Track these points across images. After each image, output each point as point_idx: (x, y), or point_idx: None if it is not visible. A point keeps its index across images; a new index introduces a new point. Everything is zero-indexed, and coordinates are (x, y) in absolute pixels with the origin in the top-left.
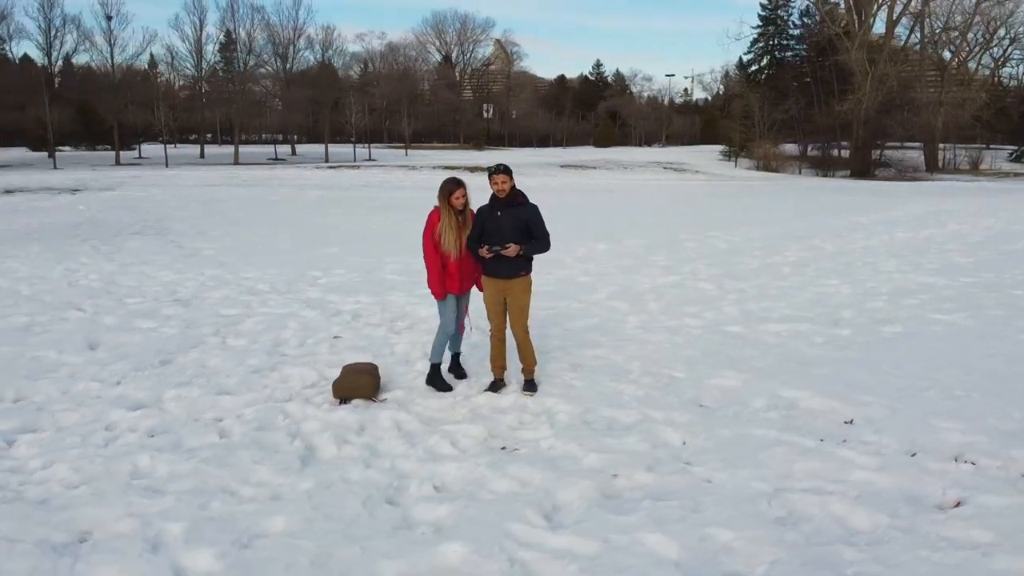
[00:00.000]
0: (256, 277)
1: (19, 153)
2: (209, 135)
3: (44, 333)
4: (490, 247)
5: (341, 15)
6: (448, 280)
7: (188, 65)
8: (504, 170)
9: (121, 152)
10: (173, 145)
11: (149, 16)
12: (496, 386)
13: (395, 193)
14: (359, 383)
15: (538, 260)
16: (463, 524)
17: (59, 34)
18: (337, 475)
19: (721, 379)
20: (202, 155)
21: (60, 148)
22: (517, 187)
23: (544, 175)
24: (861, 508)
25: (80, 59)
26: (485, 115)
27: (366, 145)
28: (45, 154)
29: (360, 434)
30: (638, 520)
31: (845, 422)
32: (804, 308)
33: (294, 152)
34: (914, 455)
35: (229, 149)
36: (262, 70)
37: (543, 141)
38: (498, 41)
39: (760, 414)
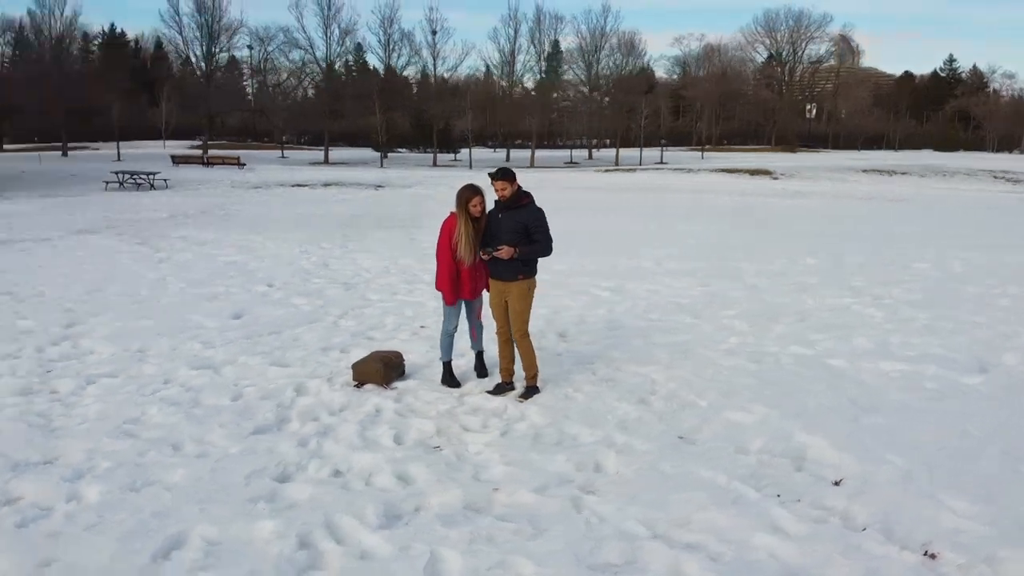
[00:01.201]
0: (419, 268)
1: (363, 153)
2: (519, 140)
3: (214, 301)
4: (485, 249)
5: (654, 20)
6: (460, 286)
7: (502, 74)
8: (503, 176)
9: (442, 154)
10: (492, 149)
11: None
12: (500, 389)
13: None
14: (369, 369)
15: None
16: (300, 506)
17: (396, 47)
18: (264, 446)
19: (738, 413)
20: (507, 159)
21: (396, 150)
22: (524, 190)
23: (839, 180)
24: None
25: (409, 70)
26: (808, 115)
27: (660, 148)
28: (379, 154)
29: (334, 415)
30: (458, 536)
31: (834, 482)
32: (957, 348)
33: (590, 156)
34: (867, 530)
35: (521, 153)
36: (569, 77)
37: (871, 143)
38: (840, 36)
39: (740, 456)
